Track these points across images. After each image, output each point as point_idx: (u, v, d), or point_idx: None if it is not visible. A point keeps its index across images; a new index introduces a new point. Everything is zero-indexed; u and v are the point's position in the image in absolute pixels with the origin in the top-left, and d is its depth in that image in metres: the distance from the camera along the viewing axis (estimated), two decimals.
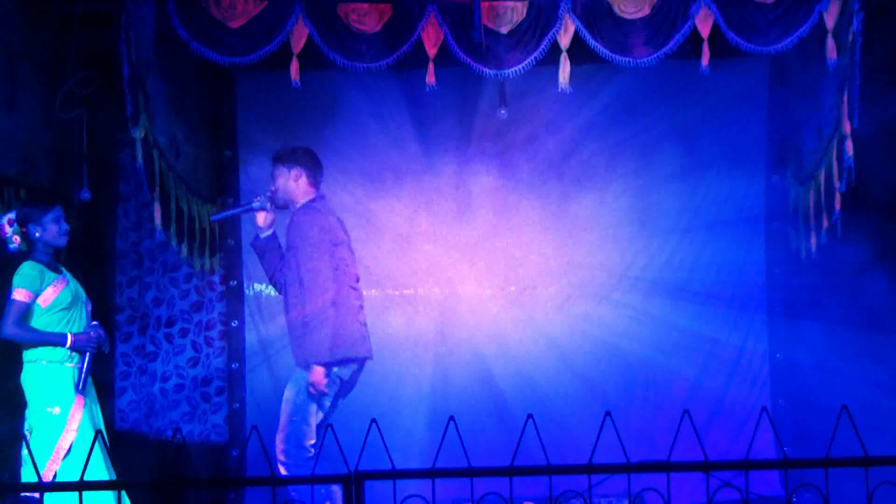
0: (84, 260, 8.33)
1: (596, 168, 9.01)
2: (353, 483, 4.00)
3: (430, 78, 7.05)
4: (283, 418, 6.56)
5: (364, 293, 8.41)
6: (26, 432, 6.39)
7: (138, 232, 8.82)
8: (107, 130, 8.34)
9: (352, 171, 8.81)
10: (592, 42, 6.98)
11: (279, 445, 6.56)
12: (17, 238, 6.57)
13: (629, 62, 7.05)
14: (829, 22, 6.83)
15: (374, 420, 4.16)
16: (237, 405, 8.96)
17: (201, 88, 8.40)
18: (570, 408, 8.64)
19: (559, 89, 7.19)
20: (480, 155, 8.97)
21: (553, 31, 6.97)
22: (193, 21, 7.00)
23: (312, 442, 6.42)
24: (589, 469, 4.12)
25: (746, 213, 8.89)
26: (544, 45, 6.99)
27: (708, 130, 8.82)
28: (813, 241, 7.88)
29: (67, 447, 6.30)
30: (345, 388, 6.74)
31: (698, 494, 4.38)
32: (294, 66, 7.02)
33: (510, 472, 4.08)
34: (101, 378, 8.09)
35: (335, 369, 6.56)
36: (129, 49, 6.89)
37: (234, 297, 9.05)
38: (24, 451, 6.31)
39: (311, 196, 6.82)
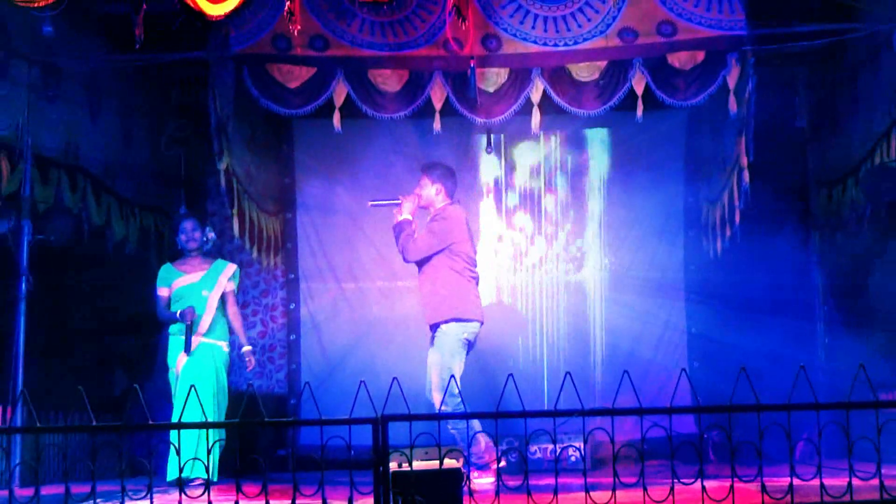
0: None
1: (559, 189, 8.94)
2: (380, 424, 3.99)
3: (437, 125, 7.00)
4: (434, 379, 6.15)
5: (379, 283, 8.59)
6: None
7: (221, 238, 8.59)
8: (198, 162, 8.34)
9: (380, 191, 8.62)
10: (556, 98, 6.91)
11: (436, 399, 6.08)
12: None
13: (583, 113, 6.99)
14: (731, 83, 6.80)
15: (395, 378, 4.15)
16: (294, 366, 8.90)
17: (268, 131, 8.38)
18: (540, 369, 8.57)
19: (531, 132, 7.19)
20: (473, 179, 8.89)
21: (527, 90, 6.90)
22: (262, 83, 6.94)
23: (458, 391, 5.63)
24: (553, 413, 4.12)
25: (669, 224, 8.83)
26: (521, 100, 6.94)
27: (641, 162, 8.73)
28: (719, 245, 7.88)
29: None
30: (469, 347, 6.34)
31: (635, 432, 4.36)
32: (336, 117, 6.94)
33: (496, 415, 4.08)
34: None
35: (464, 334, 6.19)
36: (214, 104, 6.88)
37: (292, 286, 8.96)
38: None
39: (447, 202, 6.50)
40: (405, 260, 6.44)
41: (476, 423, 5.91)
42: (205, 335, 6.64)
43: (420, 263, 6.40)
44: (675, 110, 7.64)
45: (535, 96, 6.93)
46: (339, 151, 8.61)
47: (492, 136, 8.24)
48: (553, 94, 6.93)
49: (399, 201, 6.52)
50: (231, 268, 6.90)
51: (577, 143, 8.82)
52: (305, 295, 8.96)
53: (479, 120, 7.04)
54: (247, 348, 6.85)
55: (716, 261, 8.15)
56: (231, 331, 6.85)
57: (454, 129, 7.85)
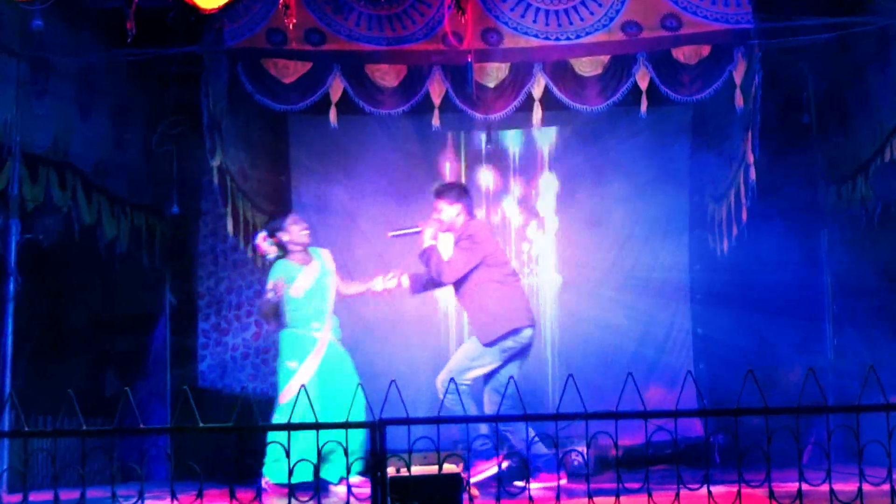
0: (175, 259, 8.43)
1: (558, 187, 8.84)
2: (377, 428, 3.95)
3: (436, 121, 7.00)
4: (455, 358, 6.35)
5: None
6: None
7: (214, 237, 8.67)
8: (191, 160, 8.21)
9: (378, 189, 8.66)
10: (558, 93, 6.90)
11: (442, 376, 6.28)
12: (272, 249, 6.61)
13: (586, 109, 6.97)
14: (738, 78, 6.78)
15: (393, 381, 4.12)
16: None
17: (263, 128, 8.25)
18: (543, 369, 8.47)
19: (532, 128, 7.17)
20: (472, 176, 8.79)
21: (528, 85, 6.89)
22: (257, 78, 6.92)
23: (468, 380, 6.16)
24: (556, 417, 4.08)
25: (674, 223, 8.74)
26: (522, 95, 6.92)
27: (645, 161, 8.60)
28: (725, 244, 7.82)
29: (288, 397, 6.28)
30: (522, 352, 6.32)
31: (639, 437, 4.32)
32: (333, 112, 6.93)
33: (496, 419, 4.05)
34: (190, 347, 8.28)
35: (512, 345, 6.21)
36: (207, 100, 6.87)
37: None
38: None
39: (468, 219, 6.45)
40: (442, 283, 6.41)
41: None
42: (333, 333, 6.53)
43: (458, 283, 6.36)
44: (679, 106, 7.62)
45: (537, 91, 6.92)
46: (335, 148, 8.53)
47: (492, 132, 8.19)
48: (555, 90, 6.91)
49: (419, 229, 6.47)
50: (327, 251, 6.83)
51: (579, 140, 8.70)
52: None
53: (479, 115, 7.03)
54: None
55: (722, 260, 8.08)
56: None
57: (454, 125, 7.84)
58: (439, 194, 6.47)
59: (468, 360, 6.25)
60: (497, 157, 8.77)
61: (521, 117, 7.24)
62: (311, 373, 6.37)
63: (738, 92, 6.78)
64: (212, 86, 6.89)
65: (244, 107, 7.21)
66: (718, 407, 4.62)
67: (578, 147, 8.72)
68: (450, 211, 6.40)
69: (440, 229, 6.41)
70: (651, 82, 6.82)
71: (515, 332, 6.22)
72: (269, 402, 8.36)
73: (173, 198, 8.26)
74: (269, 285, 6.43)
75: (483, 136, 8.34)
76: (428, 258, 6.31)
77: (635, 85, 6.84)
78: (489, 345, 6.23)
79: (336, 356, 6.51)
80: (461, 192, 6.52)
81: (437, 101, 6.91)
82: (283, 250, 6.60)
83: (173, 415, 6.93)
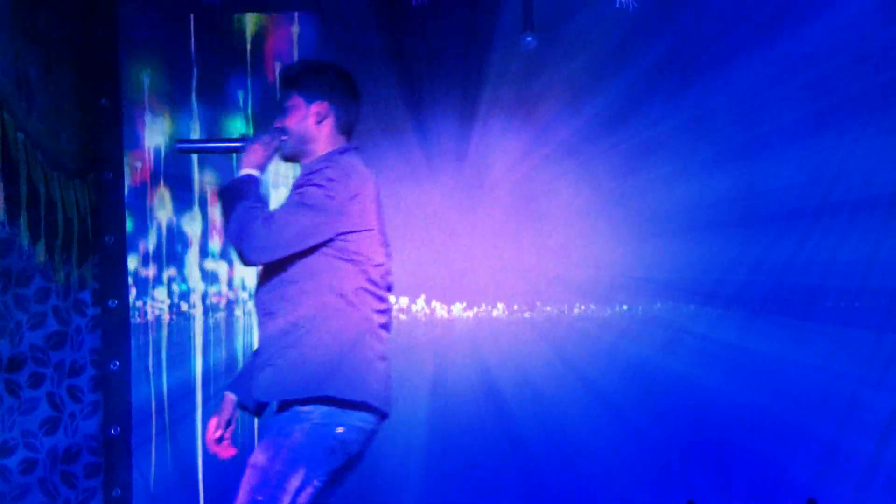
0: None
1: (669, 135, 5.79)
2: None
3: None
4: (242, 496, 3.60)
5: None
6: None
7: None
8: None
9: None
10: None
11: None
12: None
13: None
14: None
15: None
16: (119, 491, 5.53)
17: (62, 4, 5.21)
18: (575, 412, 6.34)
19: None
20: (497, 108, 5.60)
21: None
22: None
23: None
24: None
25: None
26: None
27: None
28: None
29: None
30: (345, 455, 3.55)
31: None
32: None
33: None
34: None
35: (337, 430, 3.53)
36: None
37: (116, 325, 5.59)
38: None
39: (337, 146, 3.55)
40: (247, 260, 3.59)
41: None
42: None
43: (273, 270, 3.61)
44: None
45: None
46: (220, 49, 5.42)
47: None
48: None
49: (238, 142, 3.68)
50: None
51: (709, 27, 5.68)
52: (144, 342, 5.68)
53: None
54: None
55: None
56: None
57: None
58: (291, 79, 3.69)
59: (278, 481, 3.57)
60: (545, 64, 5.57)
61: None
62: None
63: None
64: None
65: None
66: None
67: (711, 42, 5.81)
68: (304, 114, 3.70)
69: (285, 150, 3.66)
70: None
71: (338, 401, 3.57)
72: None
73: None
74: None
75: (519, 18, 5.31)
76: (233, 201, 3.61)
77: None
78: (282, 407, 3.59)
79: None
80: (336, 81, 3.66)
81: None
82: None
83: None
